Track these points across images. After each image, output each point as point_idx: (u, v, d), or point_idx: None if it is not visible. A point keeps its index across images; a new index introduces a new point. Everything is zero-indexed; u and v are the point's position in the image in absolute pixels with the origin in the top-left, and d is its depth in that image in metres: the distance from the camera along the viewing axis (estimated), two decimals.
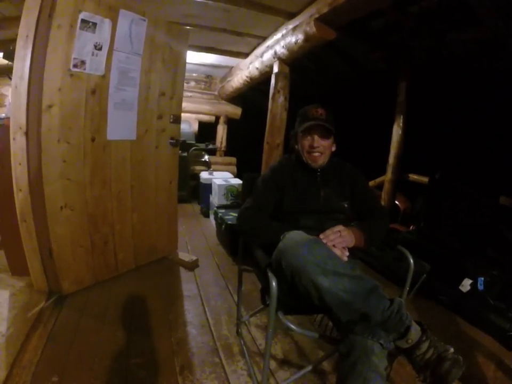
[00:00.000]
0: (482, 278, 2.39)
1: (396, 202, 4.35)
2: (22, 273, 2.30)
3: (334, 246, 1.36)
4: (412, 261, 1.49)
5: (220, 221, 3.57)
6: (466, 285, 2.41)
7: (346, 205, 1.66)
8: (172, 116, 2.77)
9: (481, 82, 3.86)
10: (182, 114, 2.94)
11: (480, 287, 2.37)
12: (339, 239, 1.40)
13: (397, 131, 4.01)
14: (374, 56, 3.99)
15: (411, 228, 3.84)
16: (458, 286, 2.44)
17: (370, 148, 5.20)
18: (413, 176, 4.18)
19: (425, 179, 3.88)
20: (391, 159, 4.10)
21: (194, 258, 3.01)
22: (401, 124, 3.97)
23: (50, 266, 2.21)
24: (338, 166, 1.75)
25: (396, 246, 1.59)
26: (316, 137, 1.60)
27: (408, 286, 1.52)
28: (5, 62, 2.60)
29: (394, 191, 4.19)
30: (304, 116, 1.64)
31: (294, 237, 1.31)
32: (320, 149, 1.61)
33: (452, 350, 1.11)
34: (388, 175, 4.16)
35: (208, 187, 4.55)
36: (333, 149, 1.69)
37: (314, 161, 1.63)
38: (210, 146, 6.01)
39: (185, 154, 5.18)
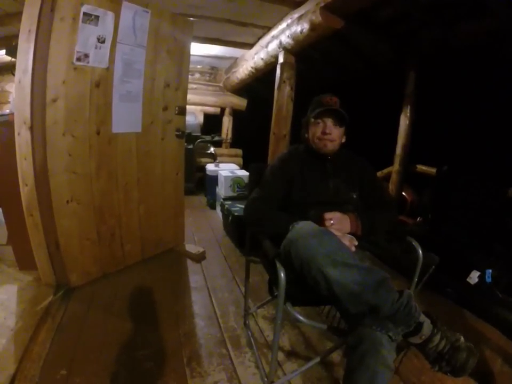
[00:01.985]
0: (490, 270, 2.36)
1: (403, 194, 4.32)
2: (30, 267, 2.31)
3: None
4: (421, 252, 1.47)
5: (226, 213, 3.57)
6: (474, 277, 2.39)
7: (355, 196, 1.65)
8: (177, 108, 2.76)
9: (490, 73, 3.80)
10: (187, 106, 2.92)
11: (488, 279, 2.34)
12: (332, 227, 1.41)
13: (404, 122, 3.98)
14: (382, 46, 3.92)
15: (418, 219, 3.81)
16: (465, 278, 2.41)
17: (378, 139, 5.15)
18: (421, 168, 4.14)
19: (433, 170, 3.84)
20: (399, 150, 4.07)
21: (201, 250, 3.01)
22: (408, 115, 3.93)
23: (57, 260, 2.22)
24: (348, 157, 1.74)
25: (404, 237, 1.58)
26: (329, 123, 1.60)
27: (417, 278, 1.50)
28: (8, 59, 2.59)
29: (401, 182, 4.16)
30: (317, 103, 1.64)
31: (304, 227, 1.30)
32: (331, 136, 1.60)
33: (462, 338, 1.11)
34: (395, 166, 4.13)
35: (214, 179, 4.54)
36: (343, 140, 1.68)
37: (324, 146, 1.61)
38: (216, 138, 5.99)
39: (191, 146, 5.18)
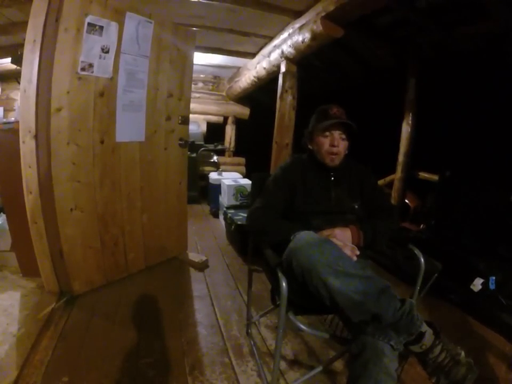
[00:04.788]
0: (494, 277, 2.35)
1: (406, 200, 4.31)
2: (33, 274, 2.32)
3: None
4: (422, 260, 1.47)
5: (229, 221, 3.57)
6: (477, 284, 2.38)
7: (356, 206, 1.65)
8: (180, 117, 2.78)
9: (492, 77, 3.79)
10: (190, 115, 2.95)
11: (492, 286, 2.33)
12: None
13: (406, 128, 3.97)
14: (382, 52, 3.95)
15: (421, 226, 3.80)
16: (469, 285, 2.40)
17: (380, 146, 5.15)
18: (423, 174, 4.13)
19: (435, 177, 3.83)
20: (401, 157, 4.06)
21: (204, 258, 3.01)
22: (410, 121, 3.92)
23: (61, 267, 2.23)
24: (349, 166, 1.73)
25: (406, 244, 1.57)
26: (336, 136, 1.59)
27: (419, 286, 1.50)
28: (14, 66, 2.62)
29: (404, 189, 4.15)
30: (324, 114, 1.62)
31: (305, 237, 1.30)
32: (338, 149, 1.60)
33: (463, 353, 1.11)
34: (398, 173, 4.12)
35: (217, 188, 4.55)
36: (346, 151, 1.68)
37: (332, 161, 1.62)
38: (219, 147, 6.01)
39: (194, 155, 5.19)
